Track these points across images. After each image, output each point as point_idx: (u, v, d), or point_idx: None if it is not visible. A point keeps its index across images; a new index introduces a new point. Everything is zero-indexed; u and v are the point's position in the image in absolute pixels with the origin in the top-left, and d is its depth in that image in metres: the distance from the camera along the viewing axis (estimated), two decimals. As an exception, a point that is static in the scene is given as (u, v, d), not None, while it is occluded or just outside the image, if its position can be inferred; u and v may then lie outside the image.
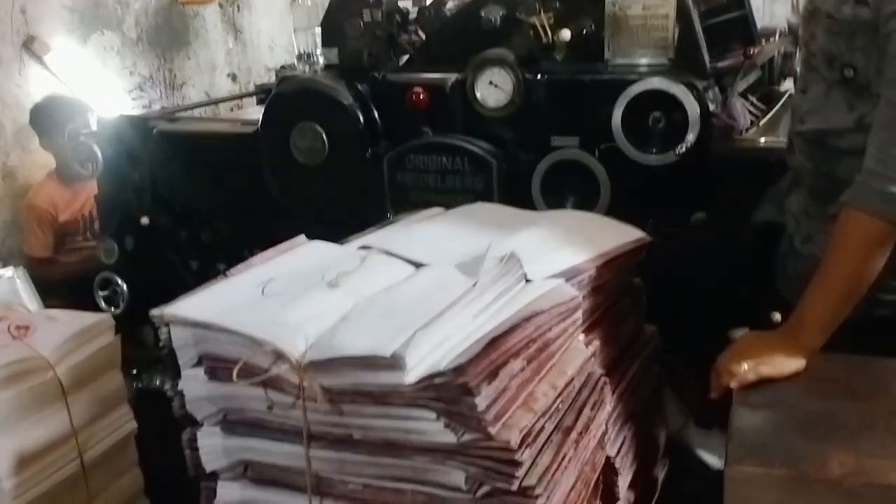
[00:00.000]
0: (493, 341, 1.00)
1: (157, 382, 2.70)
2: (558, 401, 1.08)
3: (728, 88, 2.07)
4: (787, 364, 1.37)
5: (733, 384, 1.38)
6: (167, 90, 3.87)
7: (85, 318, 1.79)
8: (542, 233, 1.41)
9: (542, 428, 1.03)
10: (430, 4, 2.34)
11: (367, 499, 1.08)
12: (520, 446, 0.97)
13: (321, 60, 2.30)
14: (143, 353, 2.72)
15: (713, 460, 2.36)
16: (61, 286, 2.78)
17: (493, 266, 1.16)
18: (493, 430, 0.96)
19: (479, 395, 0.95)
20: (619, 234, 1.46)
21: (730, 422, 1.26)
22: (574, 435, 1.10)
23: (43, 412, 1.57)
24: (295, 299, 1.13)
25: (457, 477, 1.01)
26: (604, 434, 1.24)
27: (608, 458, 1.29)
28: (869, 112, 1.43)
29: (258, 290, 1.18)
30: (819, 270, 1.42)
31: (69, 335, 1.69)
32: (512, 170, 2.10)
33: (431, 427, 0.99)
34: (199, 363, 1.14)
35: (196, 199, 2.55)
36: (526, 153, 2.12)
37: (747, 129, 2.01)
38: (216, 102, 3.20)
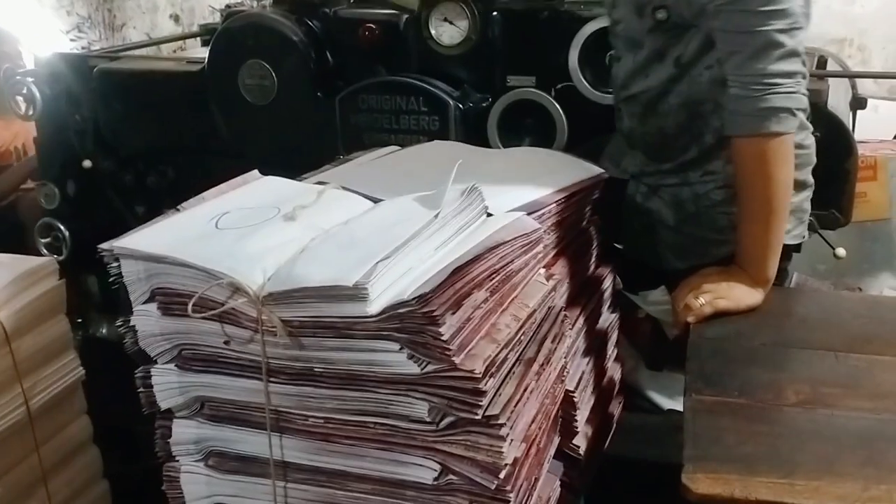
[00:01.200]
0: (457, 271, 0.99)
1: (104, 331, 2.65)
2: (521, 332, 1.07)
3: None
4: (745, 298, 1.39)
5: (691, 319, 1.39)
6: (107, 31, 3.74)
7: (28, 262, 1.73)
8: (502, 168, 1.40)
9: (506, 359, 1.03)
10: (383, -62, 2.27)
11: (329, 433, 1.06)
12: (484, 375, 0.96)
13: (270, -5, 2.23)
14: (88, 301, 2.66)
15: (664, 401, 2.41)
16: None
17: (454, 198, 1.13)
18: (457, 360, 0.95)
19: (444, 324, 0.94)
20: (578, 171, 1.45)
21: (687, 354, 1.27)
22: (536, 367, 1.10)
23: (-15, 357, 1.52)
24: (251, 232, 1.10)
25: (420, 408, 0.99)
26: (563, 367, 1.24)
27: (567, 392, 1.30)
28: (684, 51, 1.49)
29: (212, 224, 1.14)
30: (741, 206, 1.45)
31: (11, 278, 1.63)
32: (468, 109, 2.06)
33: (394, 358, 0.98)
34: (151, 299, 1.11)
35: (141, 140, 2.47)
36: (482, 93, 2.09)
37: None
38: (159, 43, 3.09)
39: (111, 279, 1.10)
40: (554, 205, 1.31)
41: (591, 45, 1.95)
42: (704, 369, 1.20)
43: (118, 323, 1.12)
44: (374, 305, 0.96)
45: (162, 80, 2.43)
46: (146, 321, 1.10)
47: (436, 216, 1.08)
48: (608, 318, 1.54)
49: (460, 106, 2.05)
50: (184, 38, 3.31)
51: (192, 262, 1.04)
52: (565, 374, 1.26)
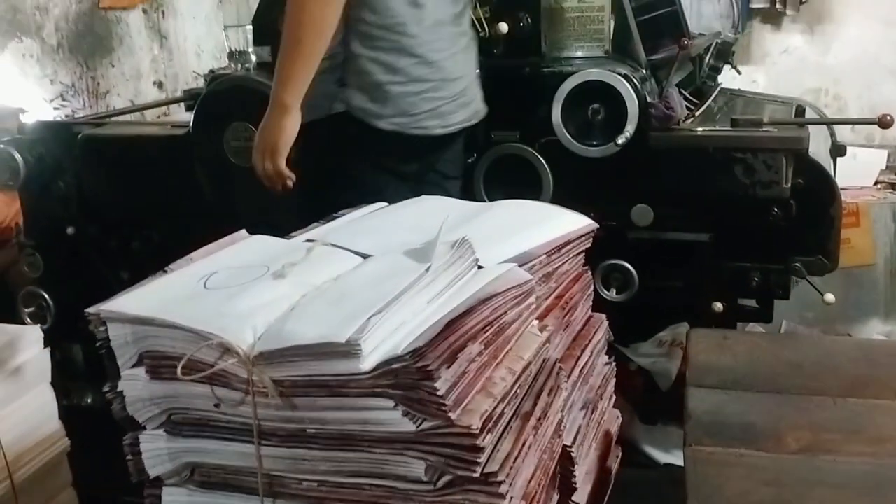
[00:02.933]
0: (451, 324, 0.97)
1: (89, 400, 2.60)
2: (517, 386, 1.05)
3: (663, 81, 2.10)
4: (287, 135, 1.68)
5: (278, 187, 1.73)
6: (90, 99, 3.74)
7: (11, 331, 1.71)
8: (491, 221, 1.39)
9: (502, 413, 1.01)
10: (365, 0, 2.30)
11: (323, 497, 1.03)
12: (481, 431, 0.94)
13: (253, 59, 2.25)
14: (73, 370, 2.62)
15: (660, 455, 2.38)
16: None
17: (445, 251, 1.13)
18: (453, 416, 0.93)
19: (439, 379, 0.92)
20: (568, 222, 1.45)
21: (684, 403, 1.26)
22: (533, 421, 1.08)
23: (-32, 429, 1.48)
24: (240, 291, 1.09)
25: (416, 467, 0.97)
26: (560, 422, 1.22)
27: (565, 447, 1.27)
28: None
29: (200, 284, 1.13)
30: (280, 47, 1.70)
31: (-4, 346, 1.60)
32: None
33: (389, 416, 0.96)
34: (139, 363, 1.08)
35: (125, 206, 2.46)
36: (467, 149, 2.10)
37: (685, 120, 2.03)
38: (143, 109, 3.10)
39: (98, 344, 1.08)
40: (544, 256, 1.30)
41: (572, 99, 1.98)
42: (702, 419, 1.18)
43: (105, 389, 1.09)
44: (368, 362, 0.94)
45: (146, 144, 2.44)
46: (134, 386, 1.08)
47: (427, 269, 1.07)
48: (603, 370, 1.53)
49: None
50: (168, 103, 3.33)
51: (180, 323, 1.02)
52: (562, 428, 1.24)
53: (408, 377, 0.93)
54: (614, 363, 1.60)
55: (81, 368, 2.66)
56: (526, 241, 1.31)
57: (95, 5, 3.71)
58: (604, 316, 1.56)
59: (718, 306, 2.06)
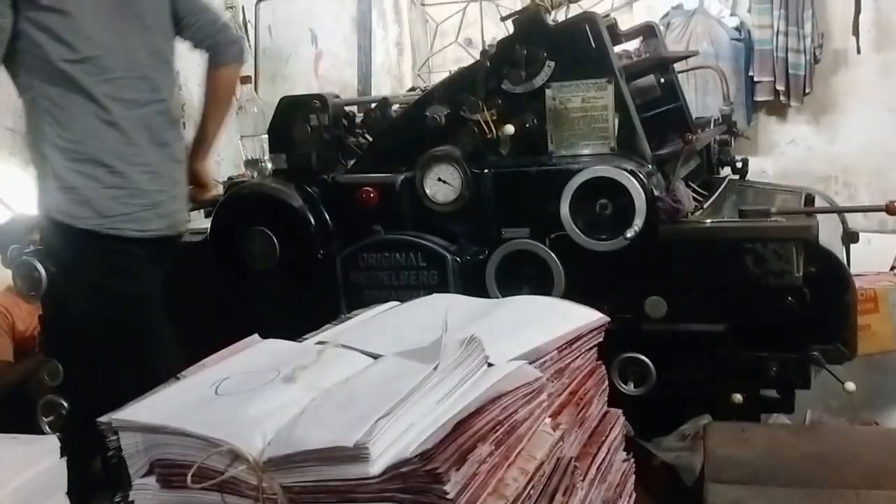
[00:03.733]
0: (460, 425, 0.97)
1: (108, 511, 2.57)
2: (529, 486, 1.04)
3: (670, 175, 2.13)
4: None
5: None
6: (113, 208, 3.82)
7: (28, 440, 1.71)
8: (502, 318, 1.40)
9: (515, 516, 0.99)
10: (376, 107, 2.38)
11: None
12: (494, 536, 0.92)
13: (269, 166, 2.31)
14: (92, 480, 2.60)
15: (685, 556, 2.31)
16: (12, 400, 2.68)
17: (453, 350, 1.13)
18: (464, 520, 0.92)
19: (449, 482, 0.91)
20: (578, 316, 1.45)
21: (703, 500, 1.23)
22: (548, 524, 1.06)
23: (-17, 540, 1.47)
24: (250, 397, 1.09)
25: (430, 574, 0.95)
26: (578, 523, 1.20)
27: (584, 549, 1.24)
28: None
29: (212, 390, 1.14)
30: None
31: (12, 458, 1.60)
32: (465, 262, 2.10)
33: (399, 521, 0.95)
34: (150, 472, 1.08)
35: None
36: (478, 245, 2.13)
37: (693, 212, 2.05)
38: (164, 215, 3.16)
39: (110, 454, 1.08)
40: (555, 352, 1.30)
41: (581, 195, 2.01)
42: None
43: (117, 499, 1.09)
44: (377, 465, 0.94)
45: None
46: (145, 496, 1.07)
47: (434, 369, 1.08)
48: (621, 467, 1.50)
49: (458, 259, 2.09)
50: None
51: (190, 430, 1.02)
52: (580, 529, 1.21)
53: (417, 480, 0.92)
54: (633, 460, 1.57)
55: (100, 478, 2.64)
56: (536, 338, 1.31)
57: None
58: (620, 411, 1.54)
59: (738, 398, 2.04)
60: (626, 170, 1.97)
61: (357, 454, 0.94)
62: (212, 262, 2.32)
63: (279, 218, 2.22)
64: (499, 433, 1.04)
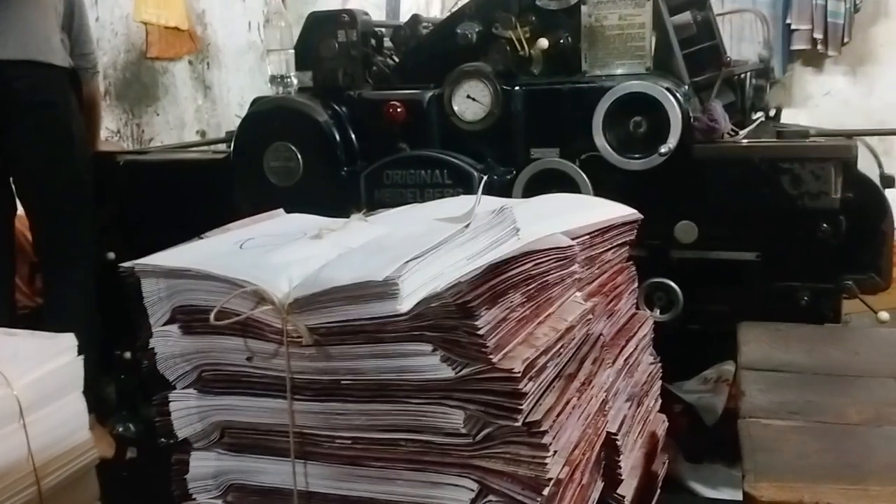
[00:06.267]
0: (493, 268, 0.94)
1: (119, 429, 2.57)
2: (559, 344, 1.00)
3: (705, 102, 2.08)
4: None
5: None
6: (135, 145, 3.82)
7: (47, 336, 1.69)
8: (533, 207, 1.36)
9: (545, 367, 0.96)
10: (405, 24, 2.34)
11: (357, 455, 0.98)
12: (523, 377, 0.89)
13: (295, 83, 2.28)
14: (106, 409, 2.60)
15: (706, 491, 2.28)
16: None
17: (485, 216, 1.10)
18: (494, 358, 0.88)
19: (480, 318, 0.88)
20: (611, 209, 1.42)
21: (737, 381, 1.19)
22: (577, 383, 1.03)
23: (-3, 430, 1.46)
24: (276, 248, 1.06)
25: (455, 418, 0.92)
26: (604, 402, 1.17)
27: (609, 435, 1.21)
28: None
29: (236, 246, 1.11)
30: None
31: (30, 350, 1.59)
32: (492, 182, 2.06)
33: (427, 362, 0.92)
34: (172, 320, 1.06)
35: (167, 231, 2.47)
36: (506, 166, 2.09)
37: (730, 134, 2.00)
38: (185, 146, 3.15)
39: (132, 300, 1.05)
40: (587, 237, 1.26)
41: (614, 112, 1.96)
42: (758, 397, 1.12)
43: (137, 345, 1.07)
44: (406, 303, 0.91)
45: (187, 168, 2.46)
46: (166, 342, 1.05)
47: (466, 226, 1.04)
48: (648, 368, 1.47)
49: (485, 178, 2.04)
50: (210, 143, 3.38)
51: (214, 272, 0.99)
52: (607, 409, 1.18)
53: (447, 317, 0.89)
54: (661, 364, 1.53)
55: (113, 406, 2.64)
56: (568, 222, 1.28)
57: (143, 55, 3.82)
58: (649, 313, 1.51)
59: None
60: (662, 86, 1.91)
61: (386, 291, 0.91)
62: (232, 179, 2.29)
63: (303, 133, 2.18)
64: (530, 288, 1.00)
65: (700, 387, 2.45)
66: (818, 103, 3.76)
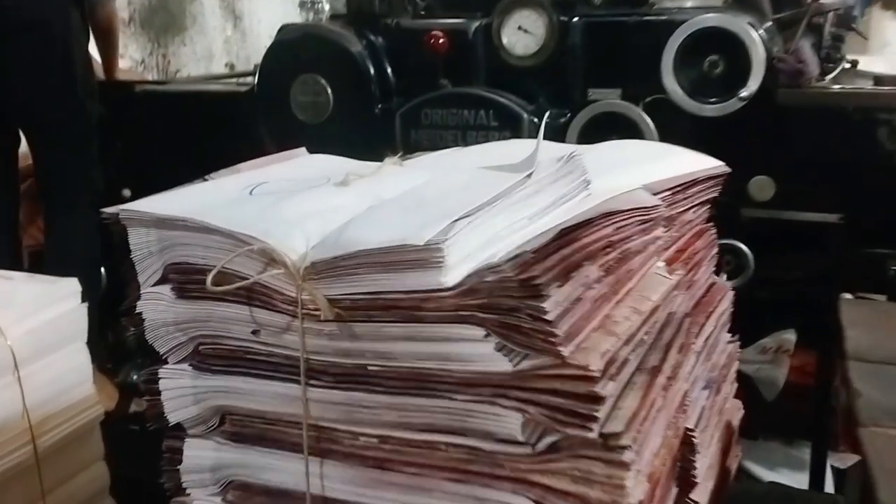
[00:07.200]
0: (564, 234, 0.73)
1: (133, 377, 2.43)
2: (643, 330, 0.80)
3: (789, 41, 1.83)
4: None
5: None
6: (161, 76, 3.62)
7: (49, 280, 1.53)
8: (602, 155, 1.15)
9: (626, 360, 0.76)
10: (452, -55, 2.10)
11: (384, 458, 0.79)
12: (602, 376, 0.69)
13: (327, 8, 2.06)
14: (124, 353, 2.46)
15: (763, 472, 2.11)
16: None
17: (549, 164, 0.89)
18: (565, 351, 0.68)
19: (549, 298, 0.68)
20: (693, 160, 1.20)
21: (848, 380, 0.98)
22: (662, 379, 0.82)
23: (-12, 384, 1.30)
24: (292, 197, 0.86)
25: (511, 422, 0.72)
26: (685, 394, 0.96)
27: (686, 431, 1.01)
28: None
29: (245, 192, 0.91)
30: None
31: (27, 296, 1.42)
32: (545, 125, 1.83)
33: (478, 350, 0.71)
34: (164, 280, 0.87)
35: (185, 167, 2.29)
36: (559, 107, 1.86)
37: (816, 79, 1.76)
38: (210, 78, 2.95)
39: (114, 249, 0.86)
40: (668, 193, 1.05)
41: (686, 50, 1.72)
42: (880, 399, 0.91)
43: (121, 309, 0.88)
44: (453, 274, 0.71)
45: (208, 101, 2.27)
46: (156, 307, 0.86)
47: (528, 176, 0.83)
48: (726, 348, 1.26)
49: (535, 120, 1.82)
50: (237, 76, 3.18)
51: (215, 225, 0.80)
52: (686, 402, 0.97)
53: (506, 294, 0.69)
54: (739, 343, 1.32)
55: (133, 351, 2.49)
56: (644, 175, 1.06)
57: (169, -21, 3.62)
58: (728, 284, 1.29)
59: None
60: (743, 21, 1.67)
61: (428, 257, 0.70)
62: (257, 114, 2.09)
63: (334, 65, 1.98)
64: (610, 257, 0.79)
65: (759, 357, 2.26)
66: (896, 51, 3.46)
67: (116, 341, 2.43)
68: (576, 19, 1.83)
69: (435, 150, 1.85)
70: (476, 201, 0.76)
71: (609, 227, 0.79)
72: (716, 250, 1.27)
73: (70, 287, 1.52)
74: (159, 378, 0.86)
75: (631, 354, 0.77)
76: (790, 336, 2.23)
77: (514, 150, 1.22)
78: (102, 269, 2.36)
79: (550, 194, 0.86)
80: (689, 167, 1.15)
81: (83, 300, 1.52)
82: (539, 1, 1.83)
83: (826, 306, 1.81)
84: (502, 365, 0.71)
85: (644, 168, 1.09)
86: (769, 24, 1.76)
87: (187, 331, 0.85)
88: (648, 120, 1.76)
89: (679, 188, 1.09)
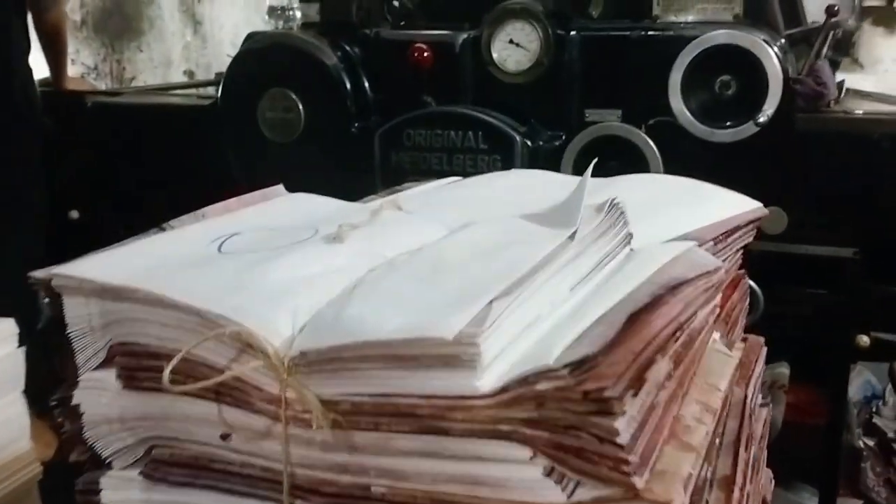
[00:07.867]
0: (631, 320, 0.57)
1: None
2: (716, 433, 0.64)
3: (803, 58, 1.70)
4: None
5: None
6: (114, 85, 3.40)
7: (-21, 319, 1.34)
8: (627, 195, 0.99)
9: (706, 481, 0.59)
10: (437, -50, 1.94)
11: None
12: (686, 510, 0.53)
13: (298, 16, 1.88)
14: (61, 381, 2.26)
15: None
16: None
17: (591, 216, 0.72)
18: (640, 482, 0.51)
19: (623, 415, 0.51)
20: (729, 202, 1.04)
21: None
22: (737, 493, 0.66)
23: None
24: (273, 258, 0.69)
25: (563, 569, 0.55)
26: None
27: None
28: None
29: (212, 247, 0.73)
30: None
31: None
32: (538, 148, 1.68)
33: (520, 474, 0.55)
34: (108, 362, 0.68)
35: (140, 186, 2.09)
36: (554, 129, 1.71)
37: (835, 101, 1.62)
38: (167, 88, 2.75)
39: (38, 326, 0.68)
40: (712, 242, 0.89)
41: (695, 69, 1.58)
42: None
43: (53, 401, 0.70)
44: (489, 375, 0.54)
45: (166, 115, 2.07)
46: (98, 398, 0.68)
47: (571, 237, 0.67)
48: (761, 413, 1.11)
49: (528, 143, 1.67)
50: (197, 85, 2.98)
51: (174, 298, 0.62)
52: None
53: (563, 407, 0.52)
54: (770, 405, 1.17)
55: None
56: (682, 223, 0.90)
57: (125, -21, 3.41)
58: (762, 339, 1.14)
59: (864, 340, 1.64)
60: (758, 38, 1.53)
61: (458, 354, 0.53)
62: (220, 130, 1.90)
63: (307, 78, 1.80)
64: (678, 344, 0.63)
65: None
66: (887, 68, 3.38)
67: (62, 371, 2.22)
68: (573, 33, 1.68)
69: (418, 174, 1.71)
70: (514, 272, 0.60)
71: (678, 305, 0.63)
72: (748, 300, 1.12)
73: (5, 330, 1.33)
74: (100, 489, 0.68)
75: (709, 471, 0.60)
76: (784, 370, 2.12)
77: (529, 186, 1.06)
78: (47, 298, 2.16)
79: (593, 256, 0.69)
80: (728, 210, 1.00)
81: (20, 343, 1.33)
82: (533, 12, 1.67)
83: (843, 345, 1.69)
84: (553, 495, 0.54)
85: (680, 213, 0.93)
86: (782, 40, 1.63)
87: (136, 430, 0.67)
88: (652, 144, 1.61)
89: (720, 237, 0.94)
